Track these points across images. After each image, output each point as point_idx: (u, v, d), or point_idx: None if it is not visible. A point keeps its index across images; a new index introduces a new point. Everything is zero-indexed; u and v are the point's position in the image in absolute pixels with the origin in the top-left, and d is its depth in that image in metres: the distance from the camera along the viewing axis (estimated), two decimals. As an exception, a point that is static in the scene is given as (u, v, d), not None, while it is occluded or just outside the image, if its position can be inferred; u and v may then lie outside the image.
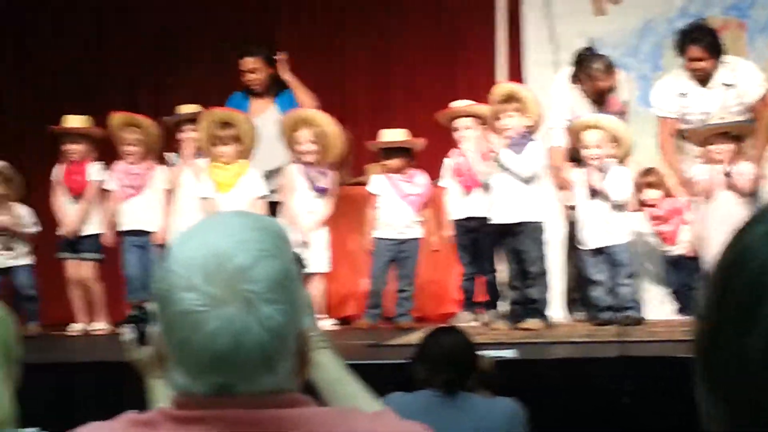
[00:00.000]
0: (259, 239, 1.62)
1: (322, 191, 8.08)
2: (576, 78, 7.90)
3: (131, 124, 8.40)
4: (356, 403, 1.93)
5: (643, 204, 7.89)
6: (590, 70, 7.79)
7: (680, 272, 7.86)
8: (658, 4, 9.11)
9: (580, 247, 7.64)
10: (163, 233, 8.23)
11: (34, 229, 8.52)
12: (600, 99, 7.86)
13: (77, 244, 8.49)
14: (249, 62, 8.62)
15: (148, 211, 8.34)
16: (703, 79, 7.73)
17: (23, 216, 8.48)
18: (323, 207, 8.10)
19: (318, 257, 7.90)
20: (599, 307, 7.52)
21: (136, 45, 10.34)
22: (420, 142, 8.25)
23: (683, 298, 7.77)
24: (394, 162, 8.16)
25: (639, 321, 7.40)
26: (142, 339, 2.68)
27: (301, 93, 8.48)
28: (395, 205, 8.12)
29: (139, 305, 2.76)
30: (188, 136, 8.33)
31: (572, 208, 7.74)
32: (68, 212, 8.48)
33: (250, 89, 8.64)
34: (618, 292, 7.47)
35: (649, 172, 7.89)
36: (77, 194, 8.49)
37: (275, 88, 8.62)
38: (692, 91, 7.76)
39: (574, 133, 7.64)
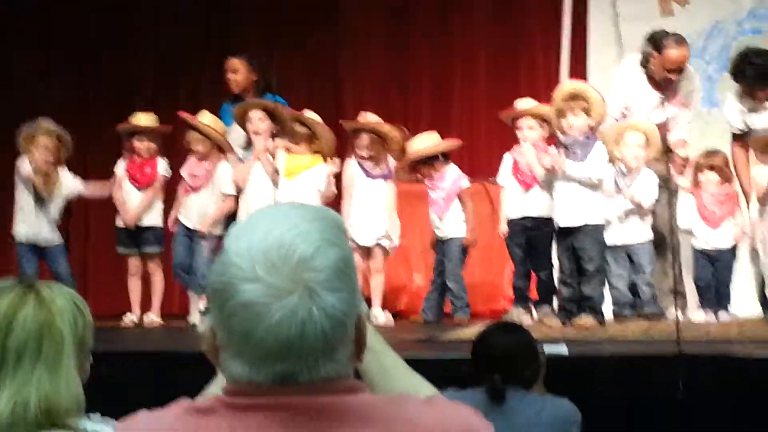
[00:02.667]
0: (320, 229, 1.63)
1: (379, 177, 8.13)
2: (646, 58, 7.74)
3: (192, 127, 8.39)
4: (408, 387, 1.93)
5: (698, 185, 7.80)
6: (663, 40, 7.65)
7: (711, 267, 7.76)
8: (726, 6, 9.02)
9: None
10: (205, 228, 8.28)
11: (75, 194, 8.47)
12: (667, 82, 7.73)
13: (138, 237, 8.51)
14: (232, 62, 8.73)
15: (201, 210, 8.37)
16: None
17: (67, 181, 8.40)
18: (388, 192, 8.14)
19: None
20: (620, 303, 7.55)
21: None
22: (448, 144, 8.22)
23: (707, 293, 7.74)
24: (424, 172, 8.18)
25: (660, 317, 7.40)
26: None
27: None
28: (432, 211, 8.17)
29: None
30: (258, 127, 8.26)
31: None
32: (131, 202, 8.49)
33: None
34: (638, 290, 7.51)
35: (713, 154, 7.82)
36: (143, 186, 8.51)
37: (256, 92, 8.62)
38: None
39: (615, 133, 7.59)
